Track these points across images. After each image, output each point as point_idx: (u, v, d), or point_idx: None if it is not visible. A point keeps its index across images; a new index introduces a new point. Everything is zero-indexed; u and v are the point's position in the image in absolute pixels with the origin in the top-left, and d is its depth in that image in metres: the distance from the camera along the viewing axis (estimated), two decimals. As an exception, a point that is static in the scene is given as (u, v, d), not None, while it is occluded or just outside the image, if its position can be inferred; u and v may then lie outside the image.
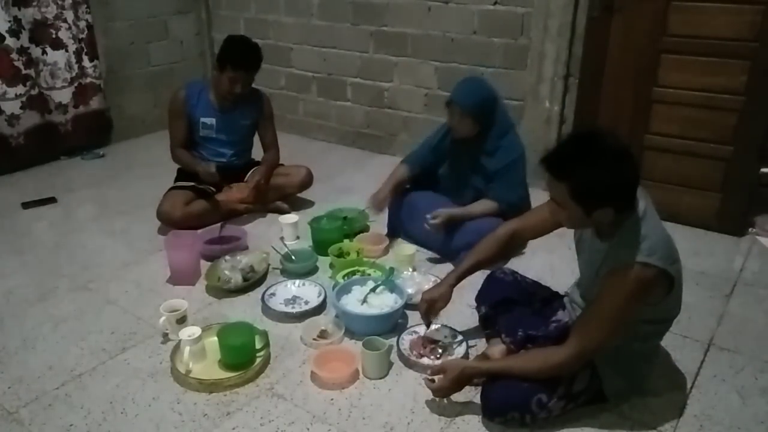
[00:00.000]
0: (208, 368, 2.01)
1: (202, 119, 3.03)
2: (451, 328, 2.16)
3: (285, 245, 2.73)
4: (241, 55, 2.90)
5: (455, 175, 2.76)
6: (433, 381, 1.82)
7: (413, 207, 2.81)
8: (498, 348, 1.98)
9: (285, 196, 3.23)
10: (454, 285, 2.02)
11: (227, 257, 2.55)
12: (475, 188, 2.71)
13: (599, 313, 1.63)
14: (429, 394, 1.87)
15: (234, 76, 2.89)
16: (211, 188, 3.06)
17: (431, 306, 2.02)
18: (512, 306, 2.03)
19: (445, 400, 1.86)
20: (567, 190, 1.55)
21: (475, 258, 2.01)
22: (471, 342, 2.12)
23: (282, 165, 3.26)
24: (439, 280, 2.43)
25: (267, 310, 2.33)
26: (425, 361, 2.03)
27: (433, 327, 2.14)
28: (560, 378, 1.72)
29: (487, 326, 2.11)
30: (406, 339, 2.12)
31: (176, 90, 3.07)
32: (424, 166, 2.83)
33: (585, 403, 1.81)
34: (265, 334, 2.10)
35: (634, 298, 1.59)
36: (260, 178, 3.06)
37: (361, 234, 2.91)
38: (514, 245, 2.01)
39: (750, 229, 3.01)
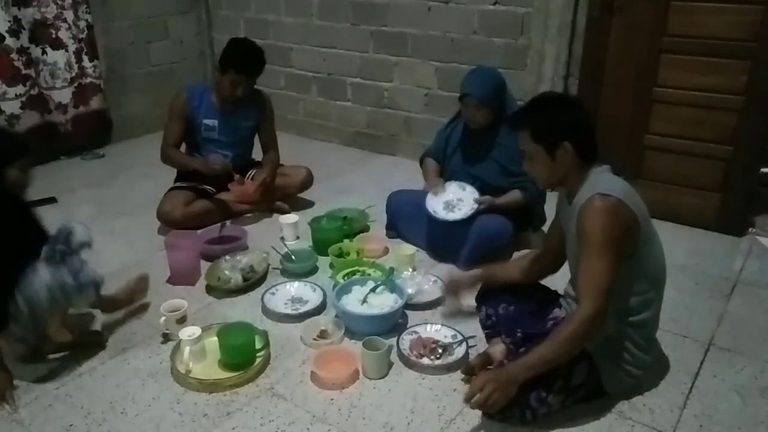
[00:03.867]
0: (208, 368, 2.01)
1: (204, 121, 3.01)
2: (451, 328, 2.16)
3: (285, 245, 2.73)
4: (243, 59, 2.89)
5: (467, 164, 2.75)
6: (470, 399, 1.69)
7: (408, 207, 2.81)
8: (498, 348, 1.98)
9: (285, 196, 3.22)
10: (477, 281, 2.13)
11: (227, 257, 2.55)
12: (482, 179, 2.69)
13: (589, 258, 1.66)
14: (429, 395, 1.87)
15: (236, 79, 2.88)
16: (211, 188, 3.06)
17: (453, 287, 2.14)
18: (510, 306, 2.03)
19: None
20: (529, 134, 1.76)
21: (503, 274, 2.11)
22: (471, 342, 2.12)
23: (282, 165, 3.26)
24: (438, 280, 2.44)
25: (267, 310, 2.33)
26: (425, 361, 2.03)
27: (433, 328, 2.15)
28: (558, 372, 1.71)
29: (487, 326, 2.11)
30: (406, 339, 2.12)
31: (178, 91, 3.05)
32: (441, 157, 2.85)
33: (585, 398, 1.81)
34: (265, 334, 2.10)
35: (610, 227, 1.64)
36: (266, 175, 3.05)
37: (361, 234, 2.91)
38: (542, 268, 2.07)
39: (750, 229, 3.01)
